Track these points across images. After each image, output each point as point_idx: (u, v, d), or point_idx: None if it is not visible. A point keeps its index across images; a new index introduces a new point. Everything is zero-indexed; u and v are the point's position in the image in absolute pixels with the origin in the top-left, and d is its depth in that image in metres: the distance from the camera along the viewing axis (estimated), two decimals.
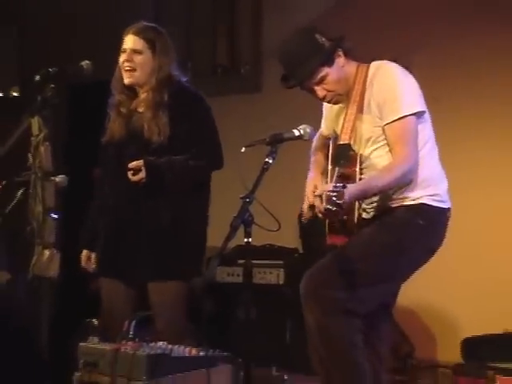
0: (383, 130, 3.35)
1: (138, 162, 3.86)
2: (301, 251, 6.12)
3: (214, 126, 4.11)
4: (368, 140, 3.41)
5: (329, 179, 3.43)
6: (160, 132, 3.94)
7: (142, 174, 3.85)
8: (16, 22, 8.20)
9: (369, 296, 3.36)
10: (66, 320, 3.81)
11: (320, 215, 3.33)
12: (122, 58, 4.03)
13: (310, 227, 6.39)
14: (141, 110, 4.05)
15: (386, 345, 3.76)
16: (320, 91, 3.46)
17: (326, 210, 3.03)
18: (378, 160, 3.39)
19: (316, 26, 3.55)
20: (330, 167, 3.51)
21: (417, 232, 3.40)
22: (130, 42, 4.03)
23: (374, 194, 3.36)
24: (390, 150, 3.35)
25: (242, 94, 6.83)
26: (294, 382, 5.53)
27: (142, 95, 4.06)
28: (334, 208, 2.98)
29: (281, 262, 5.93)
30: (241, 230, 3.22)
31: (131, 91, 4.09)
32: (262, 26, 6.82)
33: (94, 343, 3.51)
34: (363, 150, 3.40)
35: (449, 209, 3.48)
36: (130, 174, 3.87)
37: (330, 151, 3.58)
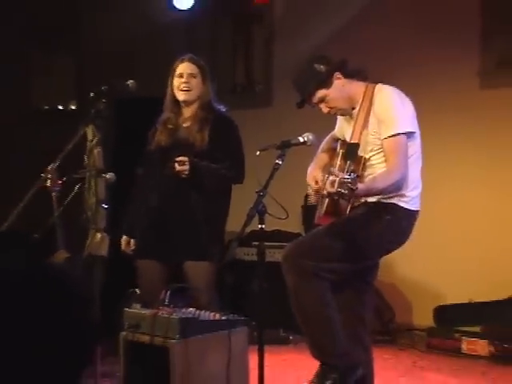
0: (381, 142, 3.33)
1: (185, 157, 3.87)
2: (303, 235, 6.14)
3: (242, 149, 4.12)
4: (369, 146, 3.38)
5: (336, 169, 3.34)
6: (202, 141, 3.96)
7: (186, 167, 3.86)
8: (74, 48, 8.23)
9: (338, 269, 3.34)
10: (114, 290, 3.80)
11: (327, 196, 3.30)
12: (180, 80, 4.03)
13: (311, 216, 6.38)
14: (186, 124, 4.05)
15: (369, 312, 3.74)
16: (323, 108, 3.47)
17: (338, 192, 2.99)
18: (375, 162, 3.36)
19: (319, 56, 3.53)
20: (339, 162, 3.47)
21: (382, 225, 3.37)
22: (187, 68, 4.05)
23: (374, 194, 3.32)
24: (385, 160, 3.32)
25: (257, 108, 6.84)
26: (297, 341, 5.53)
27: (189, 113, 4.07)
28: (347, 191, 2.96)
29: (287, 244, 5.94)
30: (256, 218, 3.24)
31: (178, 109, 4.09)
32: (273, 53, 6.83)
33: (136, 309, 3.52)
34: (366, 153, 3.37)
35: (417, 211, 3.43)
36: (176, 164, 3.87)
37: (341, 150, 3.53)
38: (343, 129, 3.61)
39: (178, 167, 3.87)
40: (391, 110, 3.33)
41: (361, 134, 3.40)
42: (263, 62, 7.03)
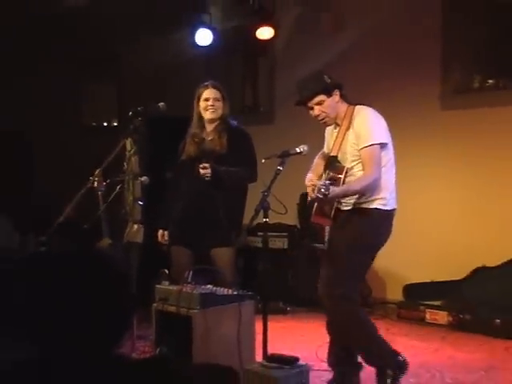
0: (359, 152, 3.27)
1: (207, 163, 3.86)
2: (298, 227, 6.14)
3: (254, 153, 4.08)
4: (349, 156, 3.32)
5: (323, 178, 3.33)
6: (221, 146, 3.95)
7: (208, 170, 3.83)
8: (115, 76, 8.25)
9: (356, 283, 3.33)
10: (147, 270, 3.80)
11: (310, 199, 3.32)
12: (207, 103, 4.00)
13: (304, 212, 6.37)
14: (210, 138, 4.03)
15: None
16: (317, 111, 3.36)
17: (316, 197, 3.02)
18: (356, 170, 3.29)
19: (327, 72, 3.45)
20: (324, 172, 3.43)
21: (374, 230, 3.32)
22: (212, 93, 4.01)
23: (351, 195, 3.28)
24: (363, 167, 3.27)
25: (261, 125, 6.82)
26: (293, 312, 5.54)
27: (211, 127, 4.05)
28: (321, 196, 2.97)
29: (286, 234, 5.94)
30: (261, 213, 3.24)
31: (202, 125, 4.07)
32: (275, 80, 6.82)
33: (165, 285, 3.52)
34: (348, 164, 3.31)
35: (394, 209, 3.37)
36: (200, 169, 3.85)
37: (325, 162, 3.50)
38: (329, 144, 3.56)
39: (201, 171, 3.87)
40: (367, 126, 3.28)
41: (340, 146, 3.35)
42: (267, 87, 7.02)
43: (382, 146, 3.27)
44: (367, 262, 3.44)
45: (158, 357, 3.31)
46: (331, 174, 3.27)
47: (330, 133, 3.55)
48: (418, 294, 5.42)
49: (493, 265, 5.06)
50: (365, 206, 3.31)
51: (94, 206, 4.15)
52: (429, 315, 5.10)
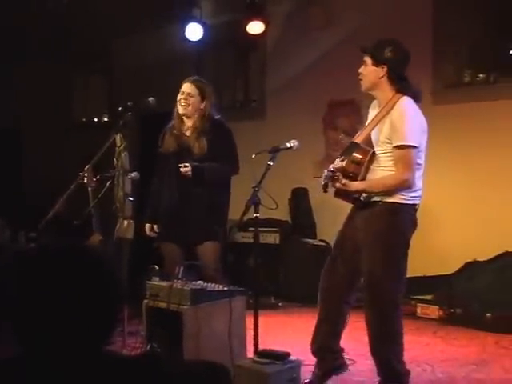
0: (392, 147, 3.13)
1: (186, 163, 3.87)
2: (290, 222, 6.15)
3: (235, 146, 4.07)
4: (378, 146, 3.18)
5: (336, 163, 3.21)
6: (200, 149, 3.94)
7: (188, 169, 3.84)
8: (106, 72, 8.23)
9: (403, 287, 3.23)
10: (138, 266, 3.79)
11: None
12: (180, 96, 4.01)
13: (296, 208, 6.36)
14: (188, 133, 4.03)
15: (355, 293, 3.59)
16: (361, 67, 3.24)
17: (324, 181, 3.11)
18: (382, 160, 3.16)
19: (399, 47, 3.28)
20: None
21: (403, 225, 3.21)
22: (187, 87, 4.01)
23: (373, 193, 3.16)
24: (394, 165, 3.13)
25: (253, 120, 6.82)
26: (285, 307, 5.55)
27: (190, 123, 4.04)
28: (323, 183, 3.07)
29: (277, 229, 5.95)
30: (252, 209, 3.24)
31: (182, 120, 4.07)
32: (266, 75, 6.80)
33: (156, 281, 3.51)
34: (376, 149, 3.19)
35: (415, 204, 3.23)
36: (181, 169, 3.86)
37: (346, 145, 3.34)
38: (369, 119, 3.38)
39: (182, 170, 3.86)
40: (404, 122, 3.11)
41: (368, 133, 3.22)
42: (258, 82, 7.01)
43: (415, 148, 3.13)
44: (405, 261, 3.25)
45: (148, 353, 3.31)
46: (351, 158, 3.15)
47: (372, 108, 3.37)
48: (409, 289, 5.38)
49: (484, 259, 5.08)
50: (383, 199, 3.16)
51: (84, 201, 4.14)
52: (420, 309, 5.11)
